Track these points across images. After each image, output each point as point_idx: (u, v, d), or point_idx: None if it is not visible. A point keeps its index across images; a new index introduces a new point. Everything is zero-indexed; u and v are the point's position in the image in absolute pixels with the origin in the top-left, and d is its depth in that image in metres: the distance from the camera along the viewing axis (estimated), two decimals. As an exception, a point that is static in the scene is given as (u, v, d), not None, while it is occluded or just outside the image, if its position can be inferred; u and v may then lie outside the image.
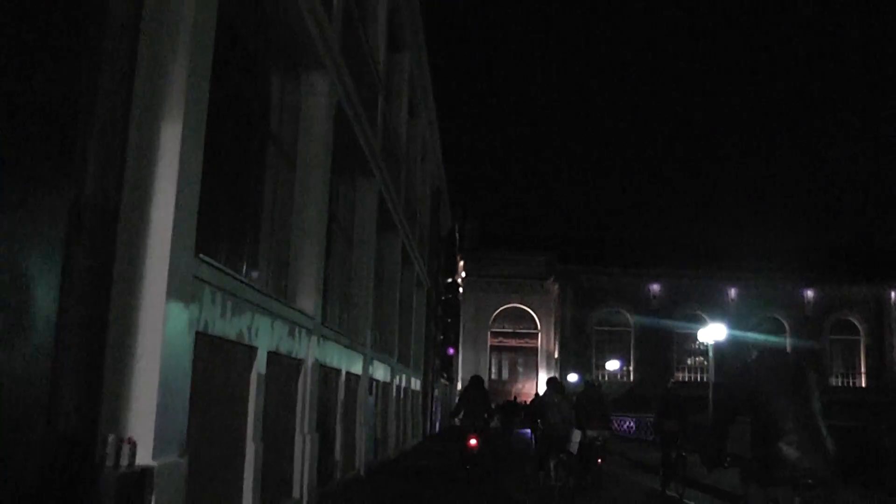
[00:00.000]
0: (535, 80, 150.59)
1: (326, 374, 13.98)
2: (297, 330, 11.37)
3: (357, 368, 17.23)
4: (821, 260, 69.99)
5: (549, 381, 14.75)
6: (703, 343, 76.89)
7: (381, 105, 19.25)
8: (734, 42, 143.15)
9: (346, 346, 15.70)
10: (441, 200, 41.29)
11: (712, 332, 30.97)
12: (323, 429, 13.68)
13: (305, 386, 11.98)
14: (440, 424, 44.51)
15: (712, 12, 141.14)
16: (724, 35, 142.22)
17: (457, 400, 22.16)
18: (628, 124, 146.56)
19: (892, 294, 70.80)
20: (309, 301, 12.37)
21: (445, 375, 49.49)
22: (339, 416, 15.26)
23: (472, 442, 17.08)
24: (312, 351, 12.26)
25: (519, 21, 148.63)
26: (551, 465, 14.26)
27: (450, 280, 53.41)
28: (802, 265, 69.22)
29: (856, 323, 72.64)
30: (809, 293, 70.88)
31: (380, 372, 20.67)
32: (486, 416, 17.39)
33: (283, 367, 10.97)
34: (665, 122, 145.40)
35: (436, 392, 41.18)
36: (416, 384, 31.05)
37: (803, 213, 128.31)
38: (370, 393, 19.24)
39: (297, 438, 11.75)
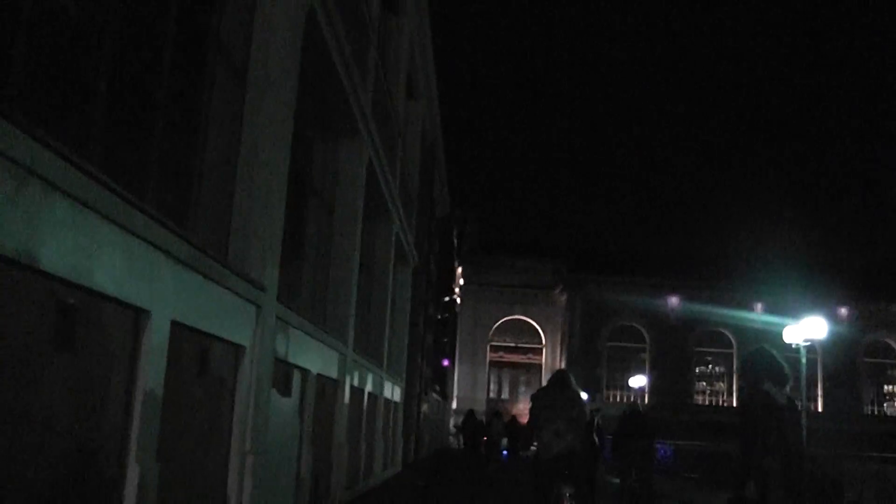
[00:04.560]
0: (550, 73, 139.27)
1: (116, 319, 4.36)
2: None
3: (238, 333, 7.67)
4: (856, 276, 60.26)
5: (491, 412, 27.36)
6: (719, 367, 68.12)
7: None
8: (758, 46, 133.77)
9: (204, 275, 6.14)
10: (436, 166, 31.58)
11: (808, 329, 21.24)
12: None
13: None
14: (430, 447, 34.63)
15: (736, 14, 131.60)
16: (746, 39, 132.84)
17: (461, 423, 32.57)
18: (646, 126, 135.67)
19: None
20: None
21: (438, 389, 39.65)
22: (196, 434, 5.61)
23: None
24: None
25: (536, 15, 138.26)
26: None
27: (447, 298, 44.23)
28: (835, 280, 59.61)
29: (893, 345, 63.01)
30: (843, 311, 61.00)
31: (312, 356, 11.01)
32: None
33: None
34: (687, 127, 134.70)
35: (424, 407, 31.31)
36: (394, 393, 21.29)
37: (838, 225, 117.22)
38: (281, 390, 9.62)
39: None
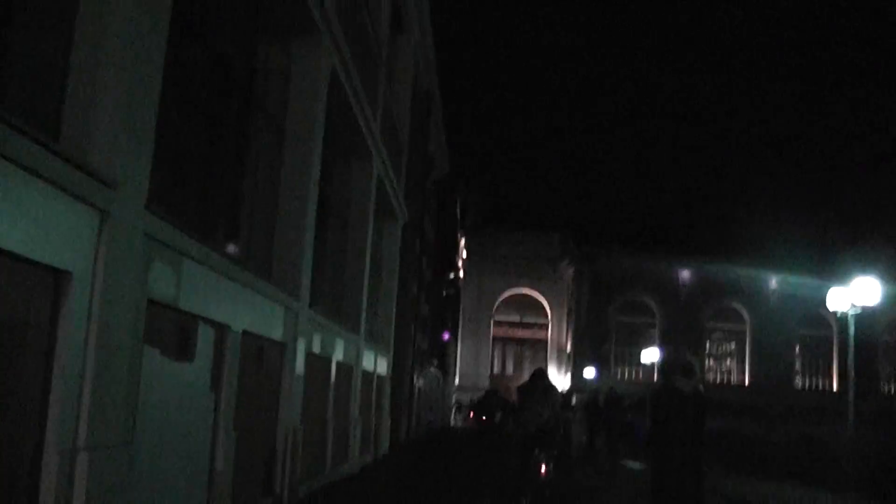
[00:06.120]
0: (553, 32, 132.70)
1: None
2: None
3: (57, 250, 4.60)
4: (881, 246, 56.83)
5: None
6: (730, 344, 64.71)
7: None
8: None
9: None
10: (431, 118, 28.31)
11: (857, 293, 18.01)
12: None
13: None
14: (428, 425, 31.60)
15: None
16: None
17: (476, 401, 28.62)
18: (660, 92, 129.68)
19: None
20: None
21: (436, 363, 36.61)
22: None
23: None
24: None
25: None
26: None
27: (451, 275, 41.42)
28: (857, 255, 56.12)
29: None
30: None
31: (234, 307, 7.92)
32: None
33: None
34: (702, 91, 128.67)
35: (419, 382, 28.25)
36: (378, 364, 18.22)
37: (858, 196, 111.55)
38: (173, 351, 6.54)
39: None
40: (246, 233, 9.76)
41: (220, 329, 7.59)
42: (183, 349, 6.79)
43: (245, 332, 8.19)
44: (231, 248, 8.88)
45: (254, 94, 10.00)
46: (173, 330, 6.56)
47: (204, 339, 7.23)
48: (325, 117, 11.51)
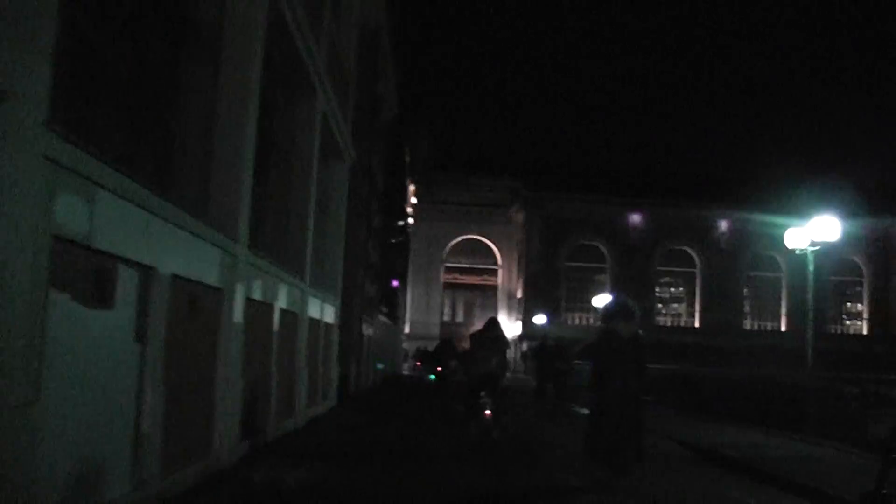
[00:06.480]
0: None
1: None
2: None
3: None
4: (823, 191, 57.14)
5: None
6: (679, 288, 64.79)
7: None
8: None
9: None
10: (379, 56, 27.24)
11: (816, 231, 17.66)
12: None
13: None
14: (375, 377, 31.00)
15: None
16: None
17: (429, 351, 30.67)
18: (607, 29, 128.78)
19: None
20: None
21: (386, 311, 35.94)
22: None
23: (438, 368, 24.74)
24: None
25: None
26: None
27: (401, 223, 40.68)
28: (807, 195, 56.37)
29: (859, 262, 60.80)
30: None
31: (161, 248, 7.10)
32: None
33: None
34: (653, 30, 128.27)
35: (368, 331, 27.56)
36: (325, 312, 17.45)
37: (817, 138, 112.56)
38: (87, 297, 5.70)
39: None
40: (178, 168, 8.90)
41: (146, 272, 6.78)
42: (100, 294, 5.98)
43: (175, 276, 7.39)
44: (161, 184, 8.04)
45: (186, 19, 9.10)
46: (87, 272, 5.74)
47: (125, 283, 6.42)
48: (264, 46, 10.62)
